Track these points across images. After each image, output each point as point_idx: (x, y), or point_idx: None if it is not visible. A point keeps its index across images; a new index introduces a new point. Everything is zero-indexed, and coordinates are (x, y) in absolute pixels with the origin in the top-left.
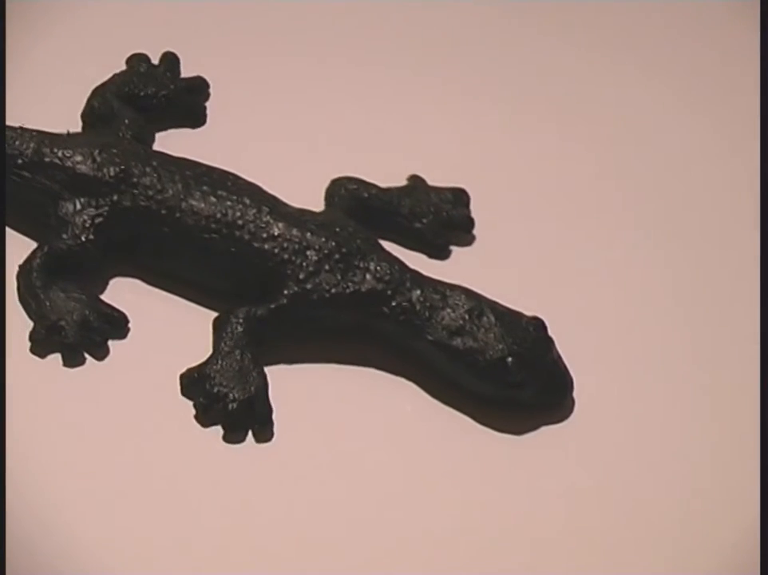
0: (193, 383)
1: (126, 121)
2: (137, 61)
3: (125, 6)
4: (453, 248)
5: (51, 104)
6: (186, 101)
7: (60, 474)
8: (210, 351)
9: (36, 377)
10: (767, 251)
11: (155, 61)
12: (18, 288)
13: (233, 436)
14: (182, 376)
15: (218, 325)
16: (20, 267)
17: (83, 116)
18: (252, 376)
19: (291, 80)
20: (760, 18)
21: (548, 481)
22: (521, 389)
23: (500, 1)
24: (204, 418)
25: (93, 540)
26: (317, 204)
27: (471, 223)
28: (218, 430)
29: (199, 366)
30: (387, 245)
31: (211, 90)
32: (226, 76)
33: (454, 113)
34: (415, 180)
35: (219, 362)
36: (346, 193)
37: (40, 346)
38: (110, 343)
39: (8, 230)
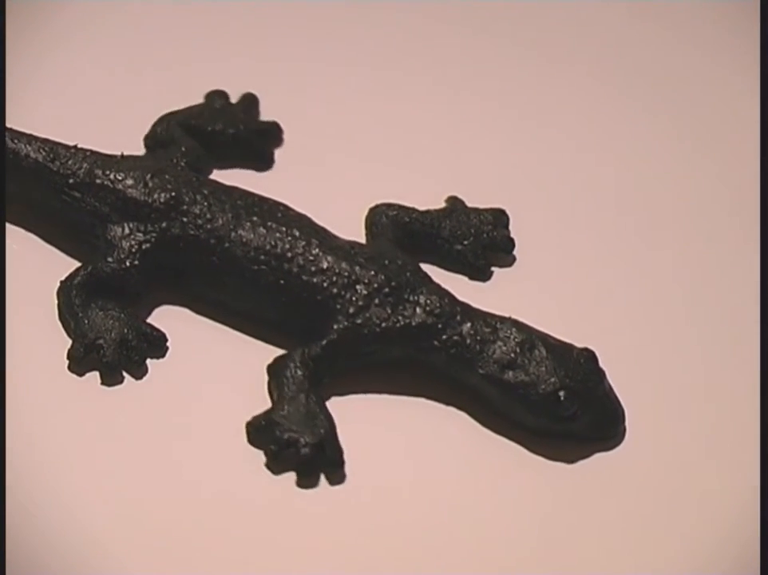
0: (261, 431)
1: (183, 149)
2: (213, 96)
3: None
4: (495, 269)
5: (54, 105)
6: (254, 142)
7: (92, 491)
8: (257, 390)
9: (73, 395)
10: None
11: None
12: (58, 305)
13: (307, 481)
14: (249, 424)
15: (276, 371)
16: (60, 283)
17: (145, 139)
18: (320, 419)
19: (325, 102)
20: (760, 18)
21: (602, 509)
22: (574, 422)
23: (533, 23)
24: (276, 464)
25: (119, 563)
26: (356, 232)
27: (512, 243)
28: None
29: (266, 413)
30: (428, 268)
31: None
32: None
33: (492, 132)
34: (454, 202)
35: (286, 407)
36: (388, 220)
37: (78, 364)
38: (150, 363)
39: (55, 251)
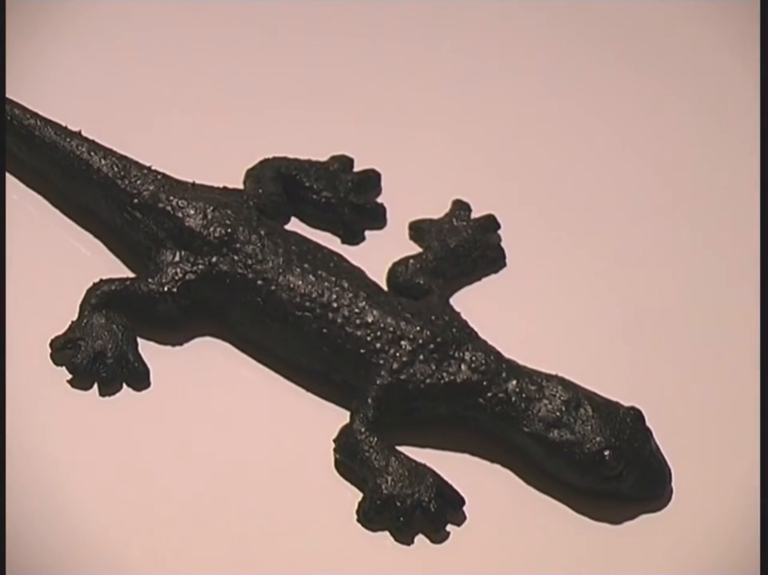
0: (380, 511)
1: (260, 191)
2: (335, 160)
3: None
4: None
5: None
6: (346, 216)
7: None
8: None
9: (43, 379)
10: None
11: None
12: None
13: (437, 534)
14: (362, 511)
15: (350, 448)
16: (100, 281)
17: (245, 173)
18: (421, 470)
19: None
20: (760, 18)
21: (647, 572)
22: (619, 482)
23: (531, 21)
24: (407, 533)
25: None
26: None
27: (495, 221)
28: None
29: (372, 493)
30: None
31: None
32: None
33: (595, 211)
34: (429, 224)
35: (387, 477)
36: (419, 276)
37: (56, 355)
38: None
39: (114, 259)
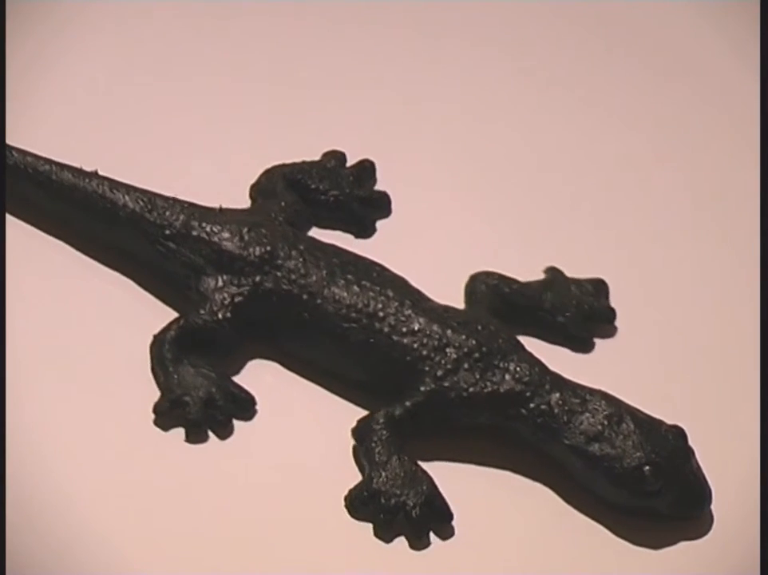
0: (364, 502)
1: (282, 203)
2: (330, 156)
3: None
4: (596, 341)
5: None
6: (355, 209)
7: (167, 549)
8: (342, 453)
9: (157, 449)
10: None
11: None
12: (151, 359)
13: (419, 542)
14: (349, 498)
15: (361, 435)
16: (154, 337)
17: (251, 189)
18: (418, 476)
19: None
20: (760, 18)
21: None
22: (657, 499)
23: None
24: (387, 532)
25: None
26: (457, 300)
27: (613, 314)
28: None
29: (363, 483)
30: (529, 340)
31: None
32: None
33: (589, 202)
34: (554, 273)
35: (382, 473)
36: (487, 289)
37: (163, 419)
38: (236, 423)
39: (150, 298)
